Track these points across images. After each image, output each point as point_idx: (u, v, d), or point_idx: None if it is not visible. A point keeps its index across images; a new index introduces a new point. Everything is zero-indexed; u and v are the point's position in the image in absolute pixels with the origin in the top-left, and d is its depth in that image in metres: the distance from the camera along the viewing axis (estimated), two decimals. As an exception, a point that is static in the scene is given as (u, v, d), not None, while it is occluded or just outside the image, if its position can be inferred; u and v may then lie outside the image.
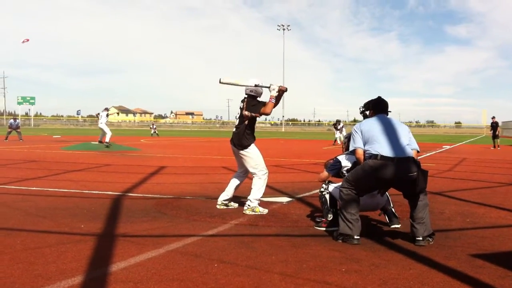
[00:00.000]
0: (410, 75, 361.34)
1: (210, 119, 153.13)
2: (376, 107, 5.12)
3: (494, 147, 25.86)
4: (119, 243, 4.43)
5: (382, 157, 4.58)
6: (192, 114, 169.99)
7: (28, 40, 60.07)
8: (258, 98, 6.12)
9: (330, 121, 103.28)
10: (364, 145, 4.78)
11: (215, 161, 14.48)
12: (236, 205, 6.34)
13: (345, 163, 5.32)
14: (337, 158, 5.43)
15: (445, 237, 4.86)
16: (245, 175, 6.43)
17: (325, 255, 4.12)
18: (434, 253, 4.24)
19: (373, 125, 4.87)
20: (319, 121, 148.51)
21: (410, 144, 4.82)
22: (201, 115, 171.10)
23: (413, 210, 4.68)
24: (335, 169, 5.35)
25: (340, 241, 4.60)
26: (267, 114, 6.01)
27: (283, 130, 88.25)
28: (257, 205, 6.00)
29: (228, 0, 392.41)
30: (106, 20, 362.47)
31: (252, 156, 6.13)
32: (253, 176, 6.18)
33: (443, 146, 26.95)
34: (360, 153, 4.82)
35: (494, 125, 27.02)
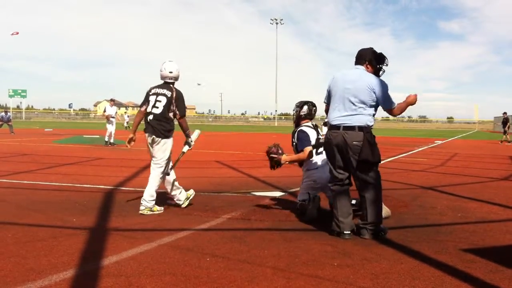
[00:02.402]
0: (403, 70, 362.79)
1: (203, 113, 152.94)
2: (355, 58, 4.84)
3: (508, 142, 26.08)
4: (111, 237, 4.42)
5: (331, 125, 4.61)
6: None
7: (17, 33, 59.58)
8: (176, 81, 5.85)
9: (323, 116, 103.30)
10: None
11: (208, 155, 14.45)
12: (161, 209, 5.71)
13: (311, 136, 5.56)
14: (301, 129, 5.66)
15: (436, 232, 4.89)
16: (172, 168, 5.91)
17: (317, 249, 4.14)
18: (425, 247, 4.26)
19: (337, 82, 4.70)
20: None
21: (384, 104, 4.62)
22: (194, 109, 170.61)
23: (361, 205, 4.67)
24: (308, 139, 5.57)
25: (335, 235, 4.62)
26: (178, 116, 5.70)
27: (276, 125, 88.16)
28: (154, 204, 5.62)
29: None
30: (99, 13, 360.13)
31: (168, 148, 5.72)
32: (152, 171, 5.69)
33: (435, 141, 27.07)
34: (325, 109, 4.83)
35: (505, 121, 27.22)
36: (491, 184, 8.89)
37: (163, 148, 5.66)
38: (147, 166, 10.57)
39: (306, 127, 5.63)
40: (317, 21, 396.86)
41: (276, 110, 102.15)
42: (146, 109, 5.71)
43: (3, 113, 27.76)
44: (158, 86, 5.77)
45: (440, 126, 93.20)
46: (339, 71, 4.84)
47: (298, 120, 5.74)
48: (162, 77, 5.78)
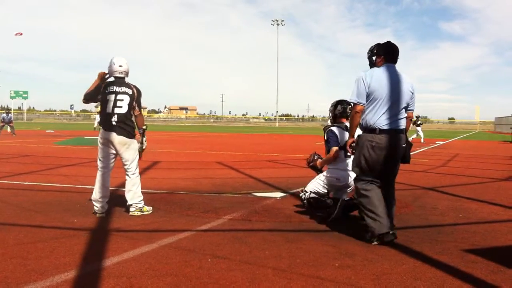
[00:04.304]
0: (404, 70, 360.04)
1: (204, 114, 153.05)
2: (388, 54, 4.52)
3: None
4: (113, 238, 4.43)
5: (381, 130, 4.32)
6: (186, 109, 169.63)
7: (21, 34, 59.70)
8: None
9: (324, 117, 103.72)
10: (366, 101, 4.37)
11: (209, 156, 14.46)
12: (150, 208, 5.67)
13: (340, 137, 5.42)
14: (331, 129, 5.52)
15: (438, 232, 4.89)
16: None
17: (318, 250, 4.13)
18: (427, 248, 4.26)
19: (382, 81, 4.35)
20: (313, 116, 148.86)
21: (411, 104, 4.52)
22: (195, 110, 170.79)
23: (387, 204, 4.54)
24: (336, 139, 5.45)
25: (374, 240, 4.33)
26: (137, 111, 5.61)
27: (277, 125, 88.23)
28: (143, 204, 5.59)
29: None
30: (101, 15, 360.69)
31: (136, 147, 5.62)
32: (130, 174, 5.58)
33: (437, 142, 27.04)
34: (360, 110, 4.38)
35: None
36: (493, 185, 8.88)
37: (132, 149, 5.54)
38: (149, 167, 10.60)
39: (337, 128, 5.54)
40: (318, 22, 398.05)
41: (277, 111, 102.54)
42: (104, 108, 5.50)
43: (4, 114, 27.76)
44: (114, 84, 5.51)
45: (442, 127, 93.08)
46: (369, 70, 4.52)
47: (334, 119, 5.67)
48: (114, 72, 5.52)
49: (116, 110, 5.43)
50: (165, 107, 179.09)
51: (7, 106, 58.95)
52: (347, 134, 5.38)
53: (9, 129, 27.03)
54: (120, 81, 5.53)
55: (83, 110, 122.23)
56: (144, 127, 5.76)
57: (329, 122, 5.81)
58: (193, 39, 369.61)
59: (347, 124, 5.52)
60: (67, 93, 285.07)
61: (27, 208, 5.72)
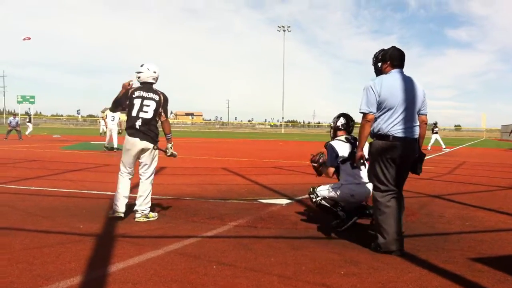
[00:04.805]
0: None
1: (210, 119, 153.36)
2: (394, 60, 4.39)
3: None
4: (118, 244, 4.43)
5: (394, 138, 4.21)
6: (192, 114, 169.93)
7: (29, 38, 60.07)
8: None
9: (330, 123, 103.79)
10: (377, 110, 4.23)
11: (215, 162, 14.47)
12: (156, 215, 5.68)
13: (341, 151, 5.26)
14: (330, 144, 5.38)
15: (444, 241, 4.86)
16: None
17: (324, 258, 4.12)
18: (433, 256, 4.24)
19: (394, 89, 4.22)
20: (319, 122, 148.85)
21: (422, 108, 4.42)
22: (201, 115, 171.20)
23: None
24: (334, 157, 5.30)
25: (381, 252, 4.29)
26: (163, 117, 5.71)
27: (282, 132, 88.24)
28: (149, 211, 5.60)
29: (230, 0, 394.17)
30: (108, 20, 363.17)
31: (157, 154, 5.70)
32: (144, 179, 5.62)
33: (443, 149, 26.93)
34: (371, 119, 4.25)
35: None
36: (500, 193, 8.83)
37: (153, 155, 5.61)
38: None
39: (338, 141, 5.39)
40: (324, 29, 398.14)
41: (282, 117, 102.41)
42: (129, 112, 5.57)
43: (11, 118, 27.86)
44: (142, 89, 5.60)
45: (448, 134, 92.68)
46: (377, 78, 4.40)
47: (335, 132, 5.57)
48: (145, 78, 5.60)
49: (141, 115, 5.51)
50: (171, 113, 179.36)
51: (14, 111, 59.13)
52: (347, 145, 5.32)
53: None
54: (147, 87, 5.63)
55: (90, 115, 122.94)
56: (170, 136, 5.83)
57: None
58: (200, 45, 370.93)
59: (347, 136, 5.46)
60: (74, 98, 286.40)
61: (33, 213, 5.74)
